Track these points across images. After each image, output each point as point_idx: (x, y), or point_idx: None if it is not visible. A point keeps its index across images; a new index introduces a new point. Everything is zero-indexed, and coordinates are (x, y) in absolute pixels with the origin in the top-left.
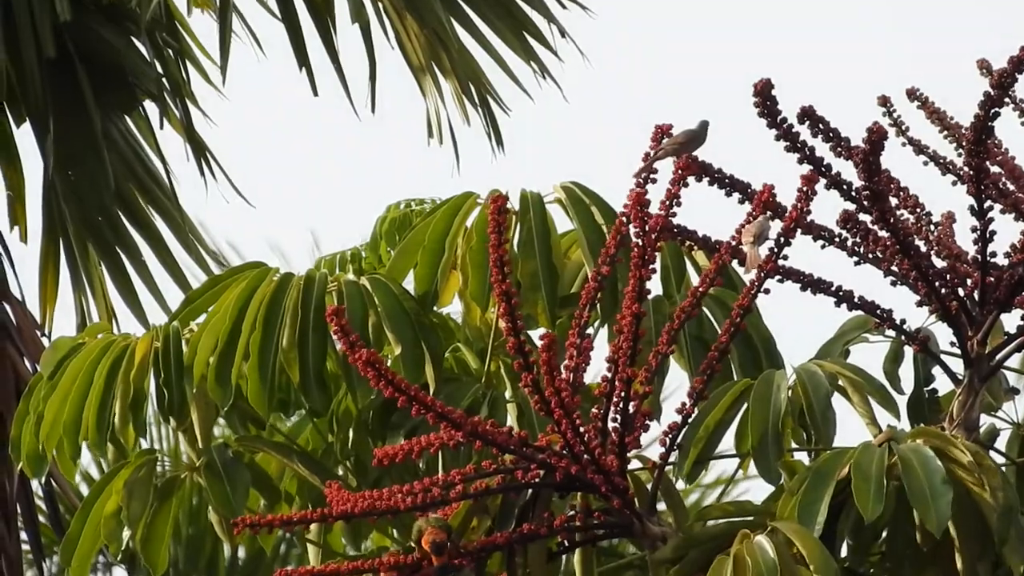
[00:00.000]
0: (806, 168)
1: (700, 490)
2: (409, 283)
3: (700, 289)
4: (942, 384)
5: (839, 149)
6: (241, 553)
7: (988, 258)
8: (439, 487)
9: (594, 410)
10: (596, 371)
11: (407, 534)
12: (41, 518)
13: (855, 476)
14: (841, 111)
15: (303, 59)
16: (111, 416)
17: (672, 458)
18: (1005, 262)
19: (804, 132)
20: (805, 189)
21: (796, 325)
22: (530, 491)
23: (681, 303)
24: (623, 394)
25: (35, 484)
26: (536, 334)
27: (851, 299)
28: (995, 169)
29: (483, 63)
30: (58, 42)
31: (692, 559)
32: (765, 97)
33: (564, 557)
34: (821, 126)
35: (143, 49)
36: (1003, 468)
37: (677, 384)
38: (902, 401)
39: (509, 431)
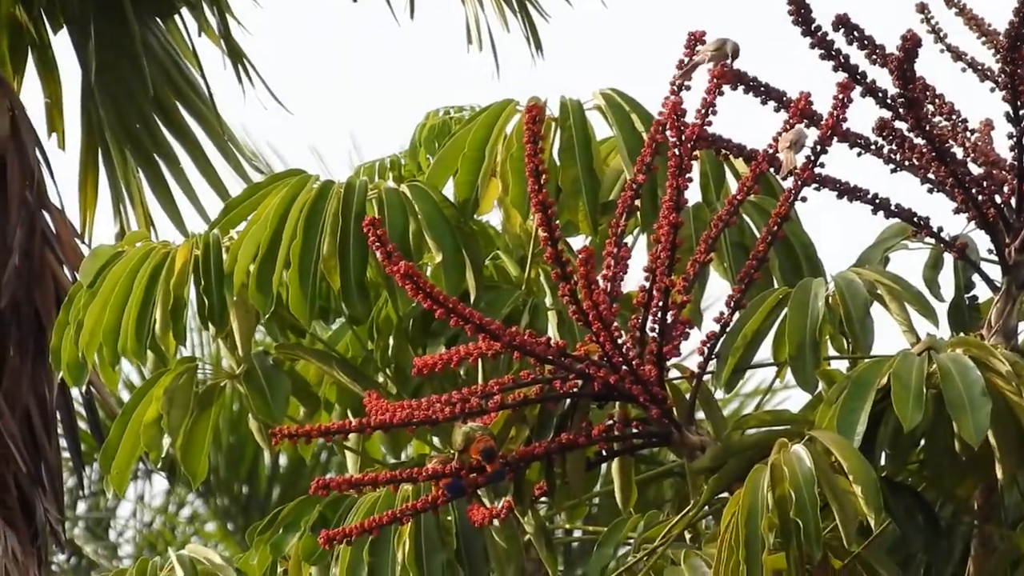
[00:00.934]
0: (841, 76)
1: (738, 399)
2: (449, 191)
3: (738, 197)
4: (981, 292)
5: (874, 57)
6: (282, 461)
7: None
8: (478, 397)
9: (632, 319)
10: (635, 280)
11: (447, 443)
12: (81, 425)
13: (894, 385)
14: (877, 19)
15: None
16: (151, 323)
17: (710, 367)
18: None
19: (839, 40)
20: (841, 97)
21: (835, 234)
22: (568, 401)
23: (719, 211)
24: (661, 303)
25: (75, 392)
26: (577, 242)
27: (888, 207)
28: None
29: None
30: None
31: (730, 468)
32: (799, 5)
33: (602, 466)
34: (856, 34)
35: None
36: None
37: (716, 293)
38: (941, 309)
39: (547, 341)
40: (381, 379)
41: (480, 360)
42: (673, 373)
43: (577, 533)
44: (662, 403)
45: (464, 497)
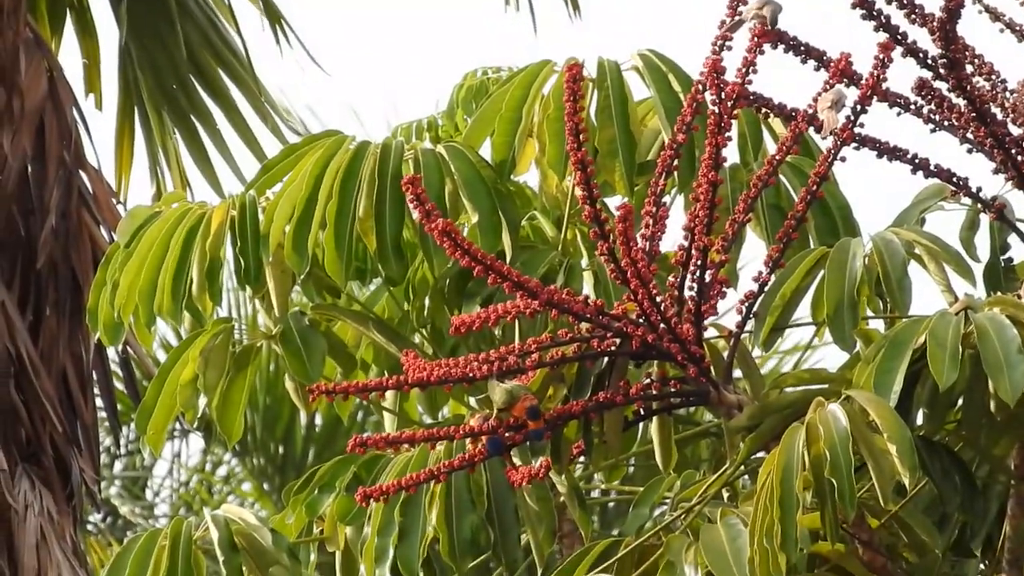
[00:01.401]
0: (882, 36)
1: (776, 358)
2: (486, 151)
3: (777, 157)
4: (1018, 252)
5: (914, 17)
6: (317, 421)
7: None
8: (515, 355)
9: (670, 279)
10: (673, 240)
11: (483, 403)
12: (117, 386)
13: (931, 344)
14: None
15: None
16: (187, 284)
17: (748, 326)
18: None
19: (880, 1)
20: (882, 57)
21: (872, 195)
22: (606, 360)
23: (758, 171)
24: (699, 262)
25: (111, 352)
26: (613, 202)
27: (927, 167)
28: None
29: None
30: None
31: (767, 427)
32: None
33: (640, 425)
34: None
35: None
36: None
37: (752, 254)
38: (978, 269)
39: (585, 300)
40: (417, 339)
41: (517, 320)
42: (711, 332)
43: (614, 494)
44: (700, 362)
45: (502, 455)
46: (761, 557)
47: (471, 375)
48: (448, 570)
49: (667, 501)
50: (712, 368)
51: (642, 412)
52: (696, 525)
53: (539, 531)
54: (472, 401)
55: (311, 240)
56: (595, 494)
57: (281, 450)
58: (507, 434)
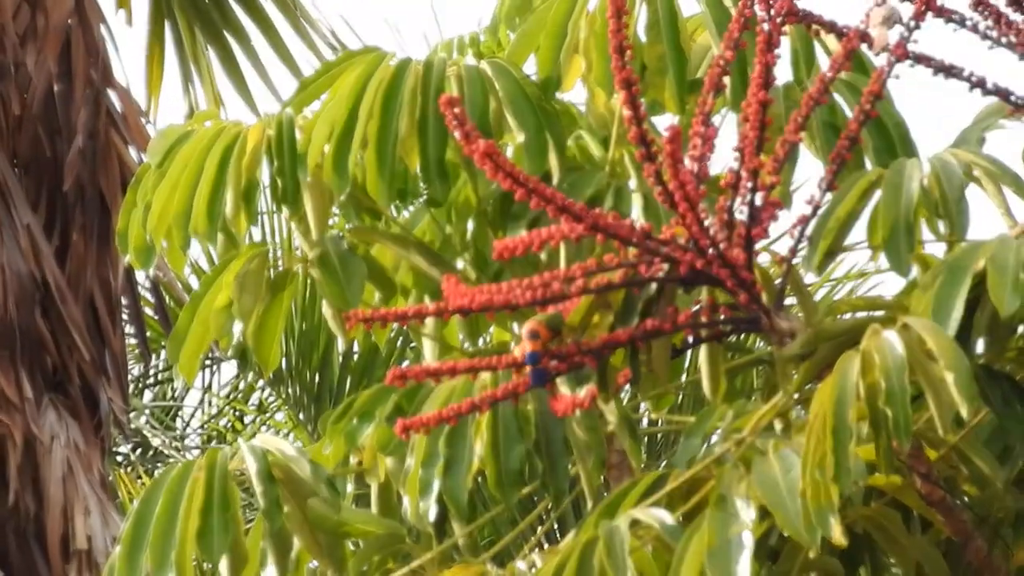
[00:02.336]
0: None
1: (830, 284)
2: (530, 68)
3: (829, 74)
4: None
5: None
6: (355, 349)
7: None
8: (560, 281)
9: (720, 202)
10: (723, 162)
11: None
12: (147, 312)
13: (990, 270)
14: None
15: None
16: (222, 205)
17: (801, 251)
18: None
19: None
20: None
21: (929, 117)
22: (654, 286)
23: (810, 89)
24: (750, 185)
25: (140, 277)
26: (663, 121)
27: (984, 84)
28: None
29: None
30: None
31: (821, 355)
32: None
33: (689, 353)
34: None
35: None
36: None
37: (805, 175)
38: None
39: (632, 224)
40: (460, 264)
41: (562, 244)
42: (762, 257)
43: (662, 424)
44: (751, 287)
45: (547, 385)
46: (813, 489)
47: (514, 301)
48: (493, 501)
49: (718, 432)
50: (764, 294)
51: (691, 340)
52: (748, 457)
53: (588, 461)
54: (516, 328)
55: (351, 160)
56: (642, 424)
57: (317, 379)
58: (552, 363)
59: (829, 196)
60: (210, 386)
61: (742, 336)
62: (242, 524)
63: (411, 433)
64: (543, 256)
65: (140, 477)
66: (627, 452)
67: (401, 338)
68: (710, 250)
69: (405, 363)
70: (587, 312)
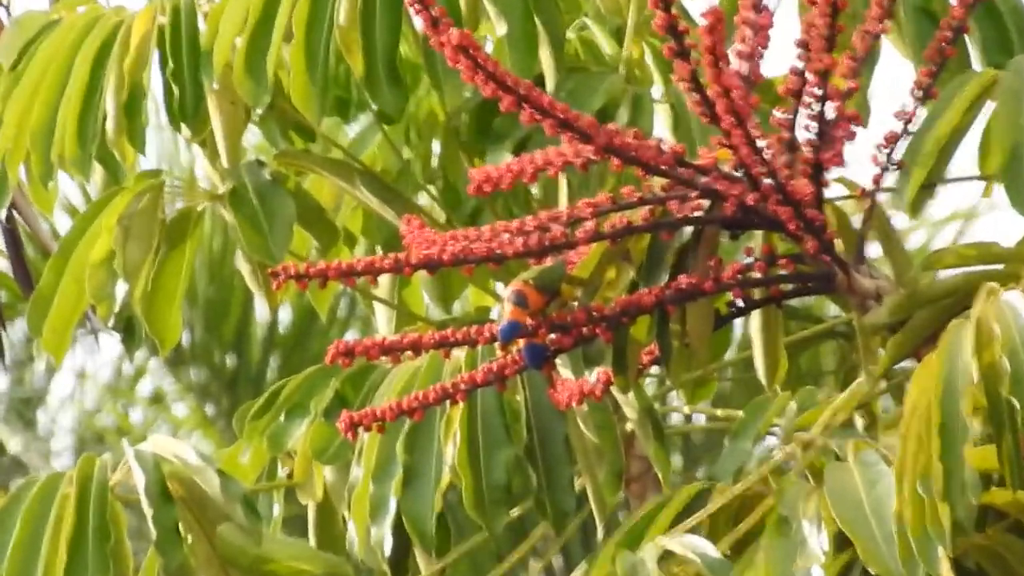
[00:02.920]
0: None
1: (928, 228)
2: None
3: None
4: None
5: None
6: (283, 318)
7: None
8: (561, 224)
9: (778, 114)
10: (784, 60)
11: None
12: (0, 266)
13: None
14: None
15: None
16: (98, 121)
17: (889, 183)
18: None
19: None
20: None
21: None
22: (689, 230)
23: None
24: (819, 91)
25: None
26: (698, 5)
27: None
28: None
29: None
30: None
31: (917, 323)
32: None
33: (737, 323)
34: None
35: None
36: None
37: (893, 77)
38: None
39: (659, 145)
40: (424, 200)
41: (564, 174)
42: (835, 190)
43: (701, 419)
44: (820, 232)
45: (544, 366)
46: (913, 510)
47: (500, 252)
48: (470, 527)
49: (776, 431)
50: (838, 241)
51: (740, 304)
52: (818, 465)
53: (599, 472)
54: (500, 289)
55: (271, 59)
56: (675, 420)
57: (231, 359)
58: (550, 336)
59: (925, 108)
60: (85, 369)
61: (809, 299)
62: (129, 560)
63: (359, 432)
64: (537, 190)
65: None
66: (652, 459)
67: (346, 303)
68: (765, 181)
69: (350, 336)
70: (599, 266)
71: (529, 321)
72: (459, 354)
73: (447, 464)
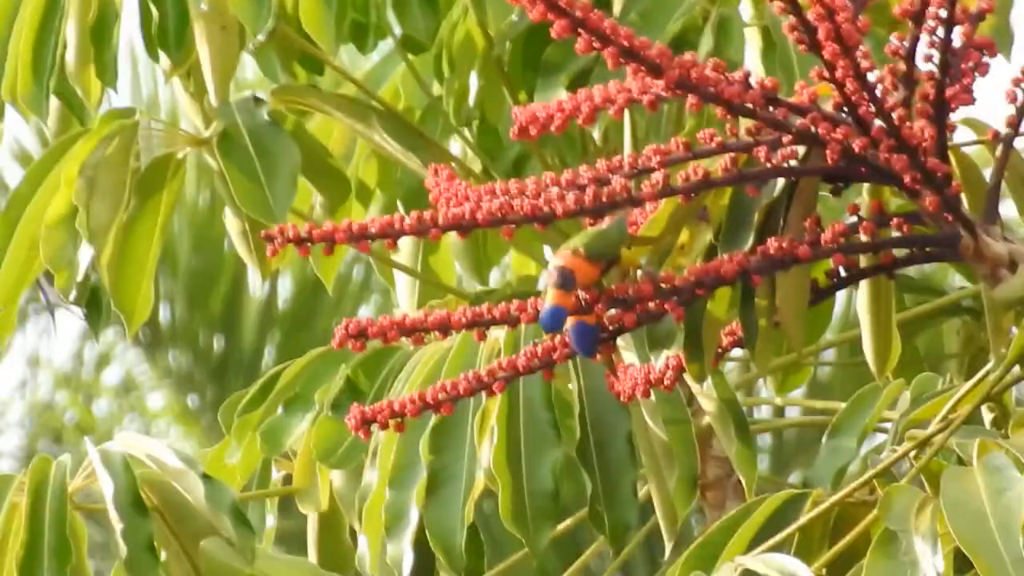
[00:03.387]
0: None
1: None
2: None
3: None
4: None
5: None
6: (282, 290)
7: None
8: (624, 175)
9: (893, 40)
10: None
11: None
12: None
13: None
14: None
15: None
16: (59, 49)
17: None
18: None
19: None
20: None
21: None
22: (781, 183)
23: None
24: (943, 13)
25: None
26: None
27: None
28: None
29: None
30: None
31: None
32: None
33: (840, 297)
34: None
35: None
36: None
37: None
38: None
39: (746, 79)
40: (456, 147)
41: (629, 114)
42: (962, 134)
43: (794, 412)
44: (943, 186)
45: (596, 351)
46: None
47: (547, 210)
48: (509, 544)
49: (886, 427)
50: (965, 196)
51: (843, 274)
52: (936, 469)
53: (669, 477)
54: (548, 255)
55: None
56: (762, 414)
57: (218, 341)
58: (607, 313)
59: None
60: (39, 352)
61: (928, 268)
62: None
63: (374, 430)
64: (596, 134)
65: None
66: (734, 461)
67: (359, 272)
68: (876, 122)
69: (363, 313)
70: (669, 227)
71: (576, 302)
72: (497, 335)
73: (481, 467)
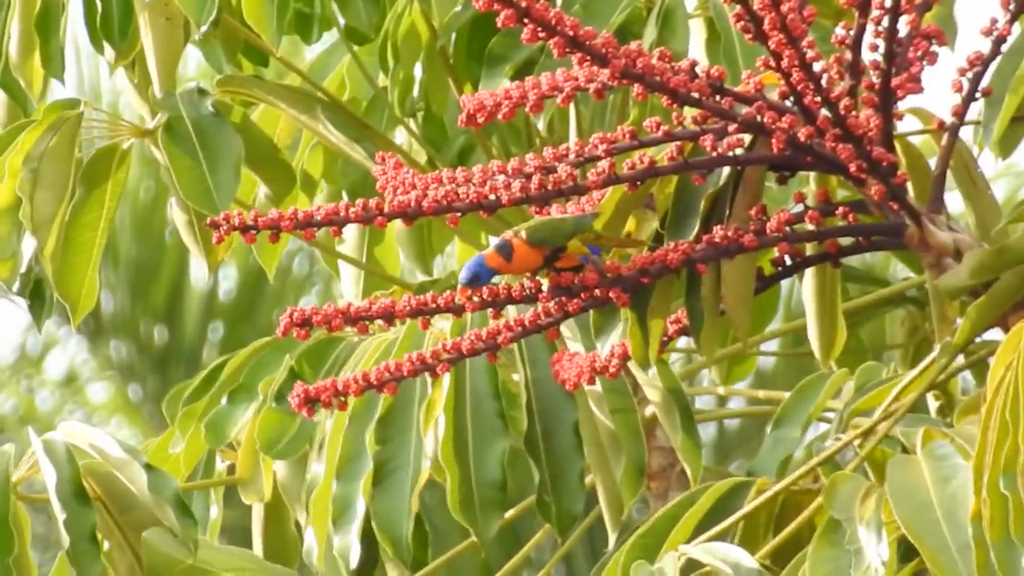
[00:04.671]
0: None
1: (1017, 175)
2: None
3: None
4: None
5: None
6: (225, 280)
7: None
8: (570, 164)
9: (839, 30)
10: None
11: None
12: None
13: None
14: None
15: None
16: (2, 40)
17: (972, 115)
18: None
19: None
20: None
21: None
22: (726, 171)
23: None
24: (888, 3)
25: None
26: None
27: None
28: None
29: None
30: None
31: (1004, 286)
32: None
33: (785, 286)
34: None
35: None
36: None
37: None
38: None
39: (692, 68)
40: (401, 137)
41: (574, 104)
42: (907, 123)
43: (739, 402)
44: (889, 175)
45: (475, 286)
46: (996, 511)
47: (493, 199)
48: (454, 533)
49: (830, 416)
50: (910, 185)
51: (788, 262)
52: (880, 457)
53: (615, 467)
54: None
55: None
56: (706, 403)
57: (160, 332)
58: (556, 297)
59: (1020, 24)
60: None
61: (873, 257)
62: (33, 571)
63: (317, 410)
64: (541, 124)
65: None
66: (679, 451)
67: (303, 261)
68: (822, 111)
69: (307, 302)
70: (615, 215)
71: (503, 263)
72: (443, 326)
73: (427, 458)
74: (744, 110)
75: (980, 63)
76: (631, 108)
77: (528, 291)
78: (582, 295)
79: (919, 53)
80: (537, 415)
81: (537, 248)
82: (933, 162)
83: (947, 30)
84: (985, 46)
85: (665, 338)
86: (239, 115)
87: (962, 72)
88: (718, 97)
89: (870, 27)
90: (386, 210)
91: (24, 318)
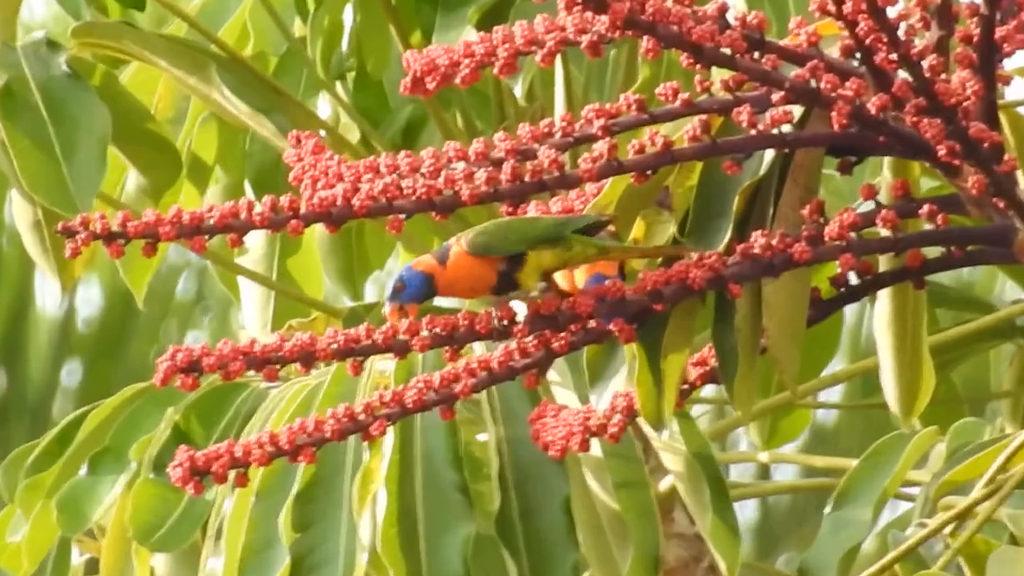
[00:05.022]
0: None
1: None
2: None
3: None
4: None
5: None
6: (87, 303)
7: None
8: (555, 145)
9: None
10: None
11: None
12: None
13: None
14: None
15: None
16: None
17: None
18: None
19: None
20: None
21: None
22: (769, 155)
23: None
24: None
25: None
26: None
27: None
28: None
29: None
30: None
31: None
32: None
33: (851, 311)
34: None
35: None
36: None
37: None
38: None
39: (721, 13)
40: (326, 108)
41: (562, 61)
42: (1017, 89)
43: (788, 472)
44: (992, 160)
45: (412, 303)
46: None
47: (450, 194)
48: None
49: (912, 492)
50: (1020, 176)
51: (854, 282)
52: (980, 552)
53: (621, 560)
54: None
55: None
56: (742, 475)
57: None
58: (537, 330)
59: None
60: None
61: (972, 273)
62: None
63: (209, 485)
64: (518, 90)
65: None
66: (707, 538)
67: (190, 280)
68: (899, 74)
69: (197, 338)
70: (620, 215)
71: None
72: (385, 367)
73: (363, 548)
74: (793, 72)
75: None
76: (639, 69)
77: (498, 322)
78: (571, 327)
79: None
80: (514, 489)
81: (481, 258)
82: None
83: None
84: None
85: (686, 385)
86: (104, 77)
87: None
88: (757, 54)
89: None
90: (303, 210)
91: None
